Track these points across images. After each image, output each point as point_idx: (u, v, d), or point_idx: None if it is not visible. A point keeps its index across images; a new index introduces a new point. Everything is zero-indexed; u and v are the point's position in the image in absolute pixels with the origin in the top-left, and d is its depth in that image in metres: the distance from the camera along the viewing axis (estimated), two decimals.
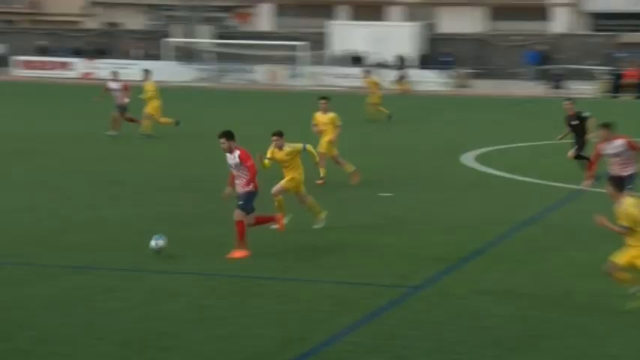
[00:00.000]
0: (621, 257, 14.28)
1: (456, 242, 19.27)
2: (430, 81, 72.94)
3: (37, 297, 15.00)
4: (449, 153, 33.69)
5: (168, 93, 65.17)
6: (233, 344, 13.06)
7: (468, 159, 32.19)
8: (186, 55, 79.03)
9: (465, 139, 38.29)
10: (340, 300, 15.21)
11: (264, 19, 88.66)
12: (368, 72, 52.77)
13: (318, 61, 75.60)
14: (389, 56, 76.07)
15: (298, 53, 75.63)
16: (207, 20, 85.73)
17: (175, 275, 16.58)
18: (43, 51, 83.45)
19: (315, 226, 20.23)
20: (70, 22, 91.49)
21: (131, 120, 36.61)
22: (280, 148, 19.91)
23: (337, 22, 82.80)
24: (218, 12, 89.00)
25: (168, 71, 74.71)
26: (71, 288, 15.55)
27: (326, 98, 26.80)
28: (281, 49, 76.12)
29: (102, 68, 78.12)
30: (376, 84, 47.75)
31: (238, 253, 17.52)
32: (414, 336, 13.52)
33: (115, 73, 37.97)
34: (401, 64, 74.64)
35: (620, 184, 14.30)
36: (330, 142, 26.35)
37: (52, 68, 78.96)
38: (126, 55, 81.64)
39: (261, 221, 18.45)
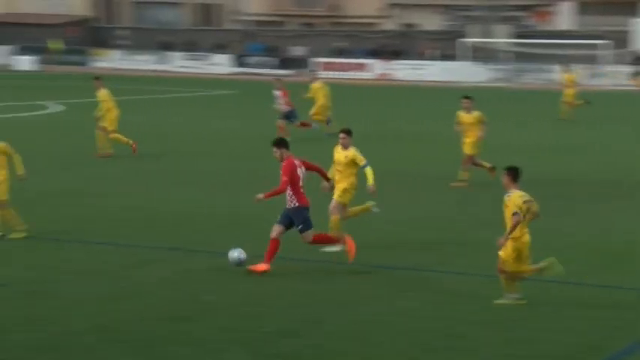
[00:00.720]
0: (506, 251, 13.94)
1: None
2: None
3: (330, 294, 14.89)
4: None
5: (460, 93, 64.99)
6: (525, 348, 12.47)
7: None
8: (482, 55, 78.15)
9: None
10: None
11: (564, 17, 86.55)
12: (567, 67, 50.04)
13: (621, 60, 72.85)
14: None
15: (599, 52, 73.15)
16: (505, 20, 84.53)
17: (465, 276, 16.10)
18: (340, 52, 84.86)
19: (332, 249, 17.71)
20: (368, 23, 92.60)
21: (303, 125, 35.65)
22: (345, 147, 17.70)
23: None
24: (516, 11, 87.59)
25: (464, 71, 74.25)
26: (364, 286, 15.39)
27: (469, 97, 25.20)
28: (581, 48, 73.93)
29: (398, 69, 78.70)
30: (573, 81, 45.25)
31: (261, 267, 15.82)
32: None
33: (278, 81, 36.85)
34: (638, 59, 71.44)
35: (517, 175, 13.97)
36: (474, 143, 24.72)
37: (349, 69, 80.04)
38: (421, 56, 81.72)
39: (321, 240, 16.36)
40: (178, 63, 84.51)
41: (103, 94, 29.99)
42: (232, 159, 29.92)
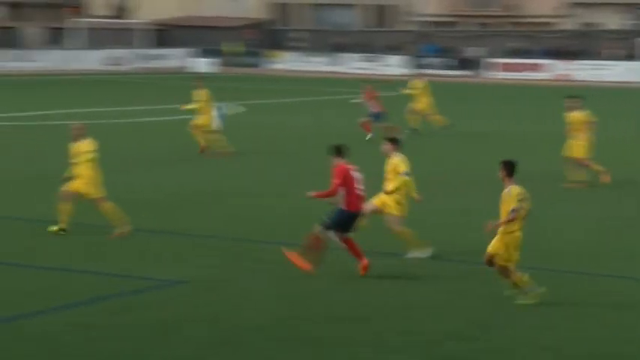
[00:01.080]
0: (495, 247, 13.90)
1: None
2: None
3: (502, 297, 14.46)
4: None
5: (624, 94, 63.19)
6: None
7: None
8: None
9: None
10: None
11: None
12: None
13: None
14: None
15: None
16: None
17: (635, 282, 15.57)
18: (517, 53, 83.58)
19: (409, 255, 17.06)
20: (545, 23, 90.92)
21: (390, 128, 34.85)
22: (387, 156, 17.22)
23: None
24: None
25: None
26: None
27: (575, 97, 24.82)
28: None
29: (577, 69, 76.89)
30: None
31: (298, 261, 15.61)
32: None
33: (364, 84, 36.49)
34: None
35: (513, 169, 13.88)
36: (582, 144, 24.45)
37: (526, 70, 78.74)
38: (599, 56, 79.72)
39: (351, 250, 15.86)
40: (352, 64, 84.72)
41: (201, 94, 30.71)
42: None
